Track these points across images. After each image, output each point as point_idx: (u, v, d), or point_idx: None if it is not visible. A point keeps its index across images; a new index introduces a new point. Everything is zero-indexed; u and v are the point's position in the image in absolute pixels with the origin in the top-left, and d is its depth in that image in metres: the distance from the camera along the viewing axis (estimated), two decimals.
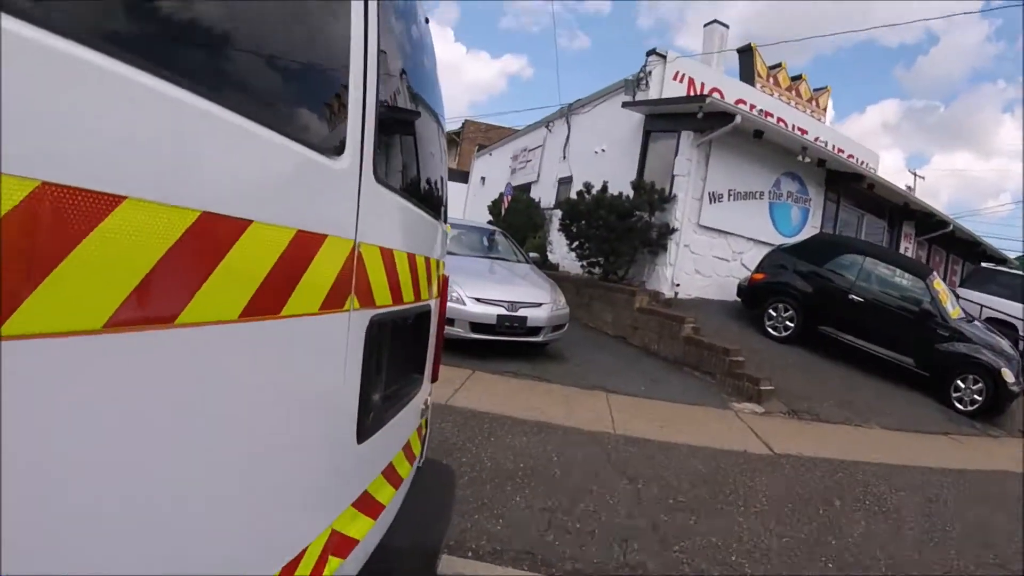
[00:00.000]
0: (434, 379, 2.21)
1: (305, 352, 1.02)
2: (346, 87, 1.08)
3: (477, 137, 24.02)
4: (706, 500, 3.78)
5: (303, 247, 0.96)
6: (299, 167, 0.95)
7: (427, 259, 1.83)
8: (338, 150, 1.07)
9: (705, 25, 13.93)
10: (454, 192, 19.28)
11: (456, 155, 26.34)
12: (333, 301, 1.07)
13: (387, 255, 1.35)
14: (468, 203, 20.08)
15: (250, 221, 0.83)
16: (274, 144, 0.88)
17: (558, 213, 11.16)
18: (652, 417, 5.43)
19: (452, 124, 27.06)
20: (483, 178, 19.72)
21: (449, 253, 7.20)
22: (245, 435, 0.88)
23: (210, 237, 0.76)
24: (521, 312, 6.50)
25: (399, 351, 1.68)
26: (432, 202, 1.90)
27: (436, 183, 1.95)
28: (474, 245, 8.28)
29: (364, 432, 1.32)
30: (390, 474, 1.63)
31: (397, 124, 1.44)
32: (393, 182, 1.42)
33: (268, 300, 0.88)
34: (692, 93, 11.55)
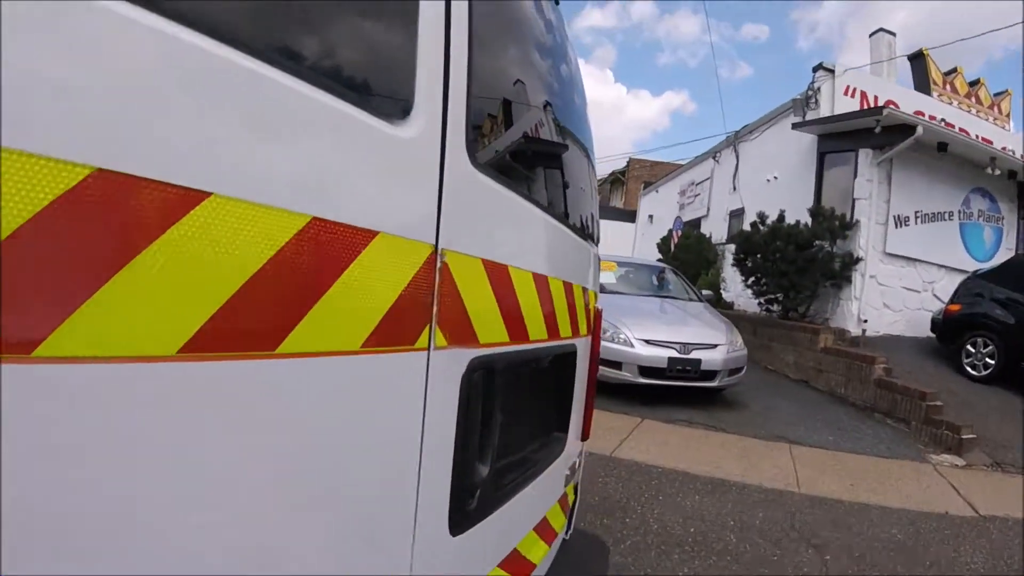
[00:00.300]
0: (584, 436, 1.74)
1: (330, 413, 0.63)
2: (413, 19, 0.71)
3: (643, 175, 23.25)
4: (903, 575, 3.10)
5: (325, 246, 0.59)
6: (316, 122, 0.59)
7: (568, 285, 1.39)
8: (401, 110, 0.70)
9: (871, 35, 12.23)
10: (622, 231, 18.96)
11: (623, 194, 25.79)
12: (393, 334, 0.69)
13: (498, 273, 0.95)
14: (637, 242, 19.34)
15: (206, 193, 0.48)
16: (263, 79, 0.53)
17: (731, 248, 10.22)
18: (841, 473, 4.64)
19: (616, 163, 26.75)
20: (651, 216, 18.89)
21: (616, 292, 6.77)
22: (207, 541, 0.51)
23: (108, 212, 0.42)
24: (695, 354, 5.78)
25: (527, 405, 1.26)
26: (575, 216, 1.48)
27: (580, 190, 1.52)
28: (643, 283, 7.70)
29: (463, 519, 0.91)
30: (514, 564, 1.19)
31: (504, 87, 1.05)
32: (511, 175, 1.03)
33: (246, 327, 0.52)
34: (865, 107, 10.18)
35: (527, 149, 1.14)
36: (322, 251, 0.59)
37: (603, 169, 26.33)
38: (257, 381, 0.54)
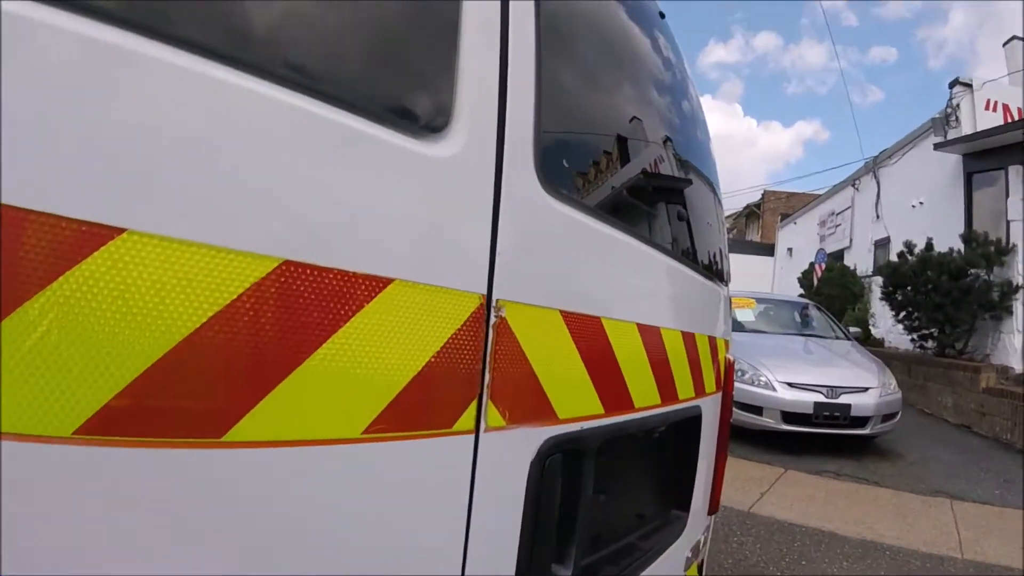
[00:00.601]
0: (713, 510, 1.38)
1: (311, 524, 0.43)
2: (451, 11, 0.51)
3: (779, 207, 21.20)
4: None
5: (302, 299, 0.40)
6: (289, 135, 0.41)
7: (689, 336, 1.09)
8: (432, 124, 0.50)
9: (1004, 44, 10.49)
10: (760, 266, 17.45)
11: (759, 228, 23.70)
12: (416, 415, 0.48)
13: (584, 327, 0.70)
14: (776, 277, 17.59)
15: (117, 230, 0.33)
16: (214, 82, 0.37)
17: (878, 280, 9.09)
18: (1009, 534, 3.65)
19: (750, 196, 24.92)
20: (789, 249, 17.18)
21: (756, 331, 6.20)
22: None
23: None
24: (843, 399, 5.00)
25: (634, 484, 0.98)
26: (698, 253, 1.19)
27: (704, 224, 1.23)
28: (784, 321, 6.94)
29: None
30: None
31: (597, 104, 0.81)
32: (608, 208, 0.79)
33: (174, 406, 0.36)
34: (1009, 120, 8.89)
35: (632, 177, 0.89)
36: (297, 306, 0.40)
37: (737, 203, 24.65)
38: (192, 477, 0.37)
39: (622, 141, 0.86)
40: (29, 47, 0.31)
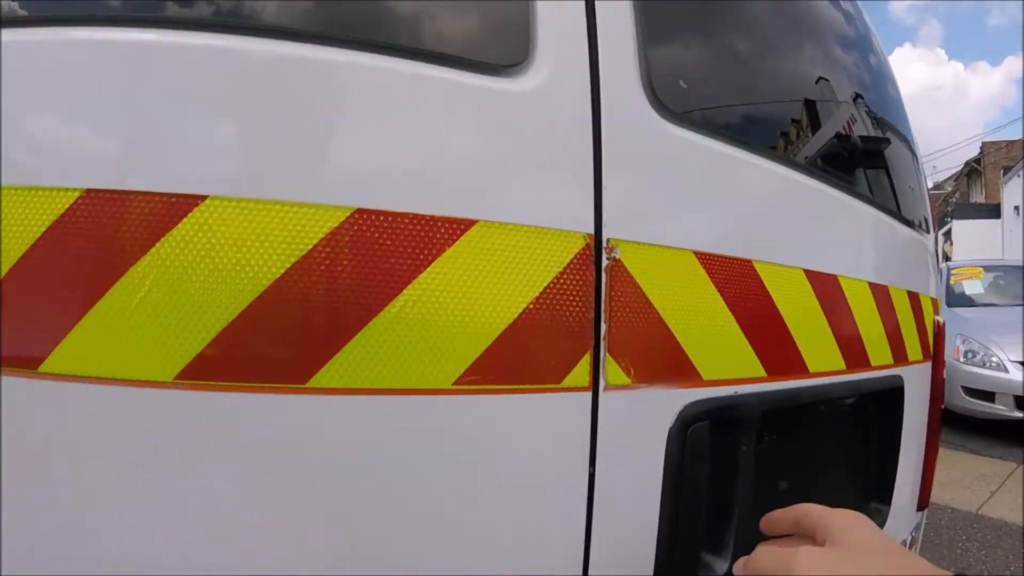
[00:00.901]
0: (922, 504, 1.07)
1: (395, 482, 0.40)
2: None
3: (1000, 160, 16.69)
4: None
5: (377, 246, 0.38)
6: (345, 93, 0.40)
7: (881, 289, 0.85)
8: (507, 58, 0.43)
9: None
10: (985, 230, 14.04)
11: (981, 186, 18.96)
12: (515, 367, 0.41)
13: (730, 272, 0.55)
14: (1005, 240, 13.93)
15: (200, 198, 0.37)
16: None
17: None
18: None
19: (969, 151, 20.13)
20: (1016, 207, 13.49)
21: (987, 304, 5.35)
22: None
23: (96, 230, 0.37)
24: None
25: (816, 465, 0.78)
26: (888, 192, 0.93)
27: (889, 156, 0.95)
28: (1017, 291, 5.47)
29: None
30: None
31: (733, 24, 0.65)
32: (744, 130, 0.63)
33: (257, 354, 0.37)
34: None
35: (784, 96, 0.70)
36: (372, 254, 0.37)
37: (955, 159, 20.06)
38: (279, 423, 0.37)
39: (763, 54, 0.69)
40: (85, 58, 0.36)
